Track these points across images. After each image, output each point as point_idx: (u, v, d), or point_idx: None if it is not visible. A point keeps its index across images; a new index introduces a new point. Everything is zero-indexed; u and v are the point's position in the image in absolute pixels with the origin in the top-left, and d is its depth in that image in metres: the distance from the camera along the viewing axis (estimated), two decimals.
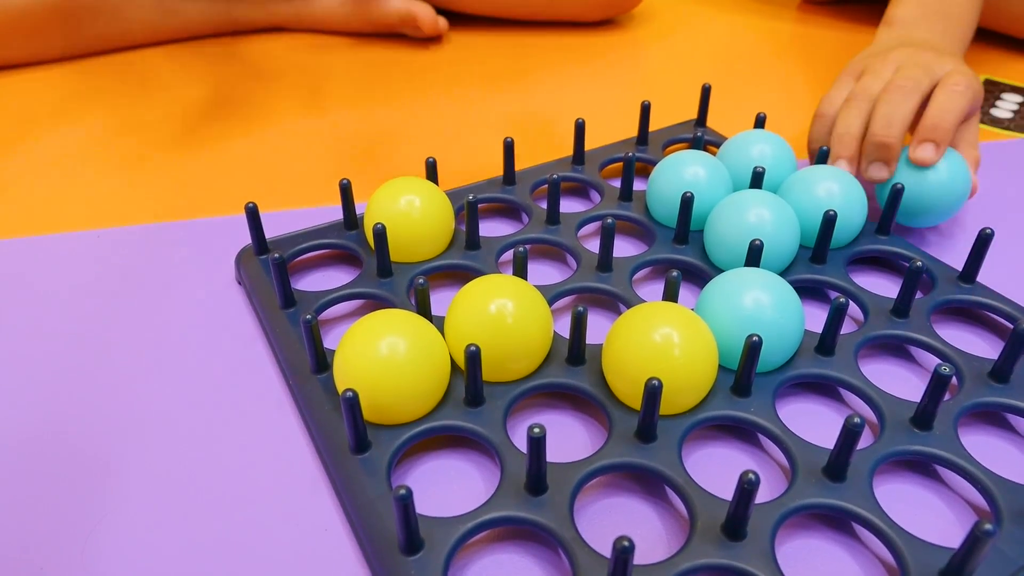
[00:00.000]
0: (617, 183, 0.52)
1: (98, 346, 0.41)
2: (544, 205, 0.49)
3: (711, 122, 0.62)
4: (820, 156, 0.48)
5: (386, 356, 0.33)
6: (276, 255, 0.39)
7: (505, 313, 0.35)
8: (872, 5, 0.85)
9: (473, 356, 0.33)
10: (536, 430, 0.29)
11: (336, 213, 0.50)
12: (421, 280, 0.38)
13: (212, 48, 0.79)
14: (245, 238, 0.46)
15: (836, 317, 0.36)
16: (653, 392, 0.31)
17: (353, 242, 0.46)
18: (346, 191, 0.45)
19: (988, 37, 0.76)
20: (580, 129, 0.52)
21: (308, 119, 0.64)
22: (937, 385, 0.32)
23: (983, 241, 0.41)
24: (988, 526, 0.25)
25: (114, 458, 0.34)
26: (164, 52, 0.78)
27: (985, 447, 0.35)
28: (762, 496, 0.31)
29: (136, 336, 0.41)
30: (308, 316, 0.34)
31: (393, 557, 0.29)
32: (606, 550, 0.29)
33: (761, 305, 0.36)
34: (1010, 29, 0.75)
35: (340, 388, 0.34)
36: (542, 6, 0.82)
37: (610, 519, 0.32)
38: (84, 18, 0.74)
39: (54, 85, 0.71)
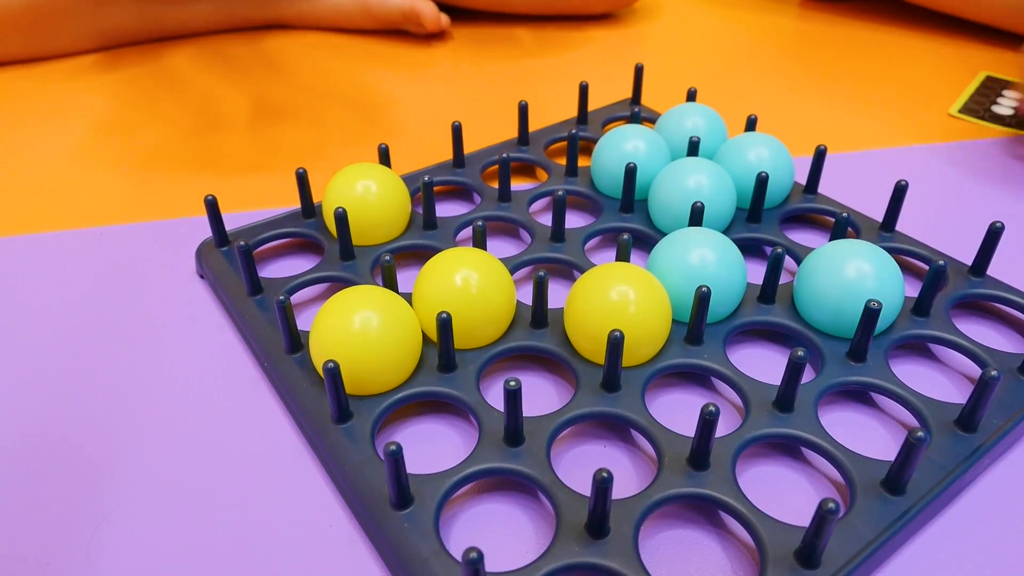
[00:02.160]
0: (561, 161, 0.55)
1: (93, 345, 0.41)
2: (494, 185, 0.51)
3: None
4: None
5: (360, 329, 0.34)
6: (242, 243, 0.39)
7: (471, 282, 0.37)
8: (872, 3, 0.87)
9: (445, 323, 0.35)
10: (512, 383, 0.31)
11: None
12: (387, 257, 0.39)
13: (213, 46, 0.78)
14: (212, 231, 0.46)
15: (775, 266, 0.39)
16: (616, 342, 0.34)
17: (312, 230, 0.47)
18: (303, 180, 0.46)
19: (988, 34, 0.78)
20: (524, 111, 0.54)
21: (308, 118, 0.65)
22: (868, 319, 0.36)
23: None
24: (831, 504, 0.26)
25: (111, 455, 0.35)
26: (164, 50, 0.77)
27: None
28: (721, 431, 0.34)
29: (121, 334, 0.42)
30: (281, 297, 0.36)
31: (385, 513, 0.30)
32: (584, 491, 0.31)
33: (707, 260, 0.39)
34: (1011, 25, 0.74)
35: (318, 364, 0.35)
36: (544, 0, 0.83)
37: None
38: (84, 14, 0.72)
39: (53, 83, 0.70)
